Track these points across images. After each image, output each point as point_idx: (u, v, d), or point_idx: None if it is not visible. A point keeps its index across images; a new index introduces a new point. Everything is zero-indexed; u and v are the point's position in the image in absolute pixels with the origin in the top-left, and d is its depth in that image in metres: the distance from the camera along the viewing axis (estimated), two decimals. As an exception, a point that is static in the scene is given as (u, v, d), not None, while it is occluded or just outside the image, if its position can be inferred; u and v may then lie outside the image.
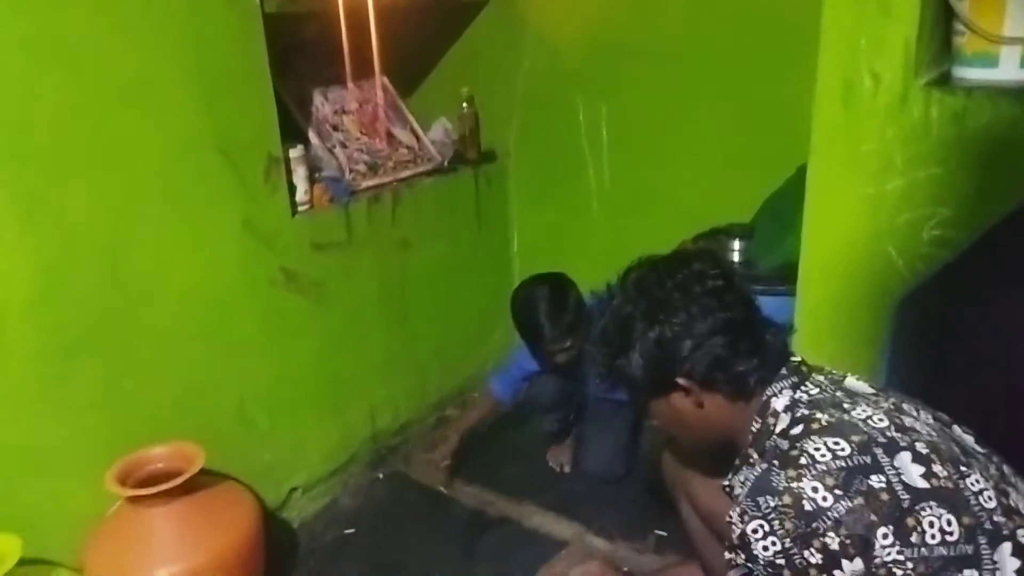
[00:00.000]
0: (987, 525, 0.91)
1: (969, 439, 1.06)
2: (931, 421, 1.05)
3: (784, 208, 2.07)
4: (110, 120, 1.63)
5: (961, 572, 0.89)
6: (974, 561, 0.90)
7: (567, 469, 2.41)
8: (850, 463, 0.94)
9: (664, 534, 2.03)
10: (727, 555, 1.00)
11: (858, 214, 1.56)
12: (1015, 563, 0.91)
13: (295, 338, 2.12)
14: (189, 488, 1.63)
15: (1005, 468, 1.03)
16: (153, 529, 1.60)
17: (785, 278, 1.85)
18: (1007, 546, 0.91)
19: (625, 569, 1.92)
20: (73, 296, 1.62)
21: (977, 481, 0.95)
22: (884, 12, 1.48)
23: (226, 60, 1.81)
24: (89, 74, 1.59)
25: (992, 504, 0.93)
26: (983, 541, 0.90)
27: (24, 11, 1.47)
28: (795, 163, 2.04)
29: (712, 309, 1.11)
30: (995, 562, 0.90)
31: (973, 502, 0.93)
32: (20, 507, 1.57)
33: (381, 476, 2.42)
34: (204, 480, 1.68)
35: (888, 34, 1.49)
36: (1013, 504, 0.96)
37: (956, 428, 1.08)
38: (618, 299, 1.17)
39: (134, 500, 1.60)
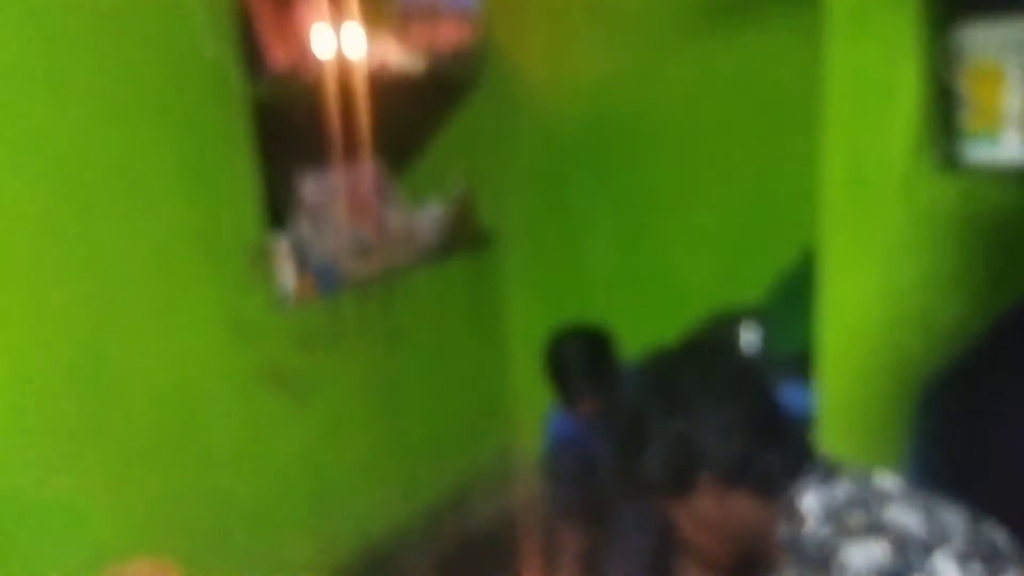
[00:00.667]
0: None
1: (1000, 537, 1.10)
2: (961, 518, 1.07)
3: (795, 293, 2.16)
4: (92, 215, 1.71)
5: None
6: None
7: None
8: (885, 568, 0.96)
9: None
10: None
11: (872, 301, 1.63)
12: None
13: (277, 440, 2.14)
14: (162, 613, 1.65)
15: None
16: (123, 658, 1.62)
17: (801, 364, 1.92)
18: None
19: None
20: (46, 399, 1.66)
21: None
22: (887, 94, 1.60)
23: (211, 151, 1.91)
24: (73, 169, 1.67)
25: None
26: None
27: (9, 106, 1.57)
28: (801, 240, 2.14)
29: (731, 400, 1.14)
30: None
31: None
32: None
33: (371, 592, 2.43)
34: (179, 603, 1.71)
35: (892, 116, 1.60)
36: None
37: (985, 525, 1.11)
38: (632, 395, 1.20)
39: (104, 625, 1.62)
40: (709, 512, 1.16)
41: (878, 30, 1.60)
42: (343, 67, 2.29)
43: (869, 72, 1.62)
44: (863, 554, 0.99)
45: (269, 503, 2.16)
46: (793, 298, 2.10)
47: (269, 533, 2.15)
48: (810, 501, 1.11)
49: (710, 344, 1.36)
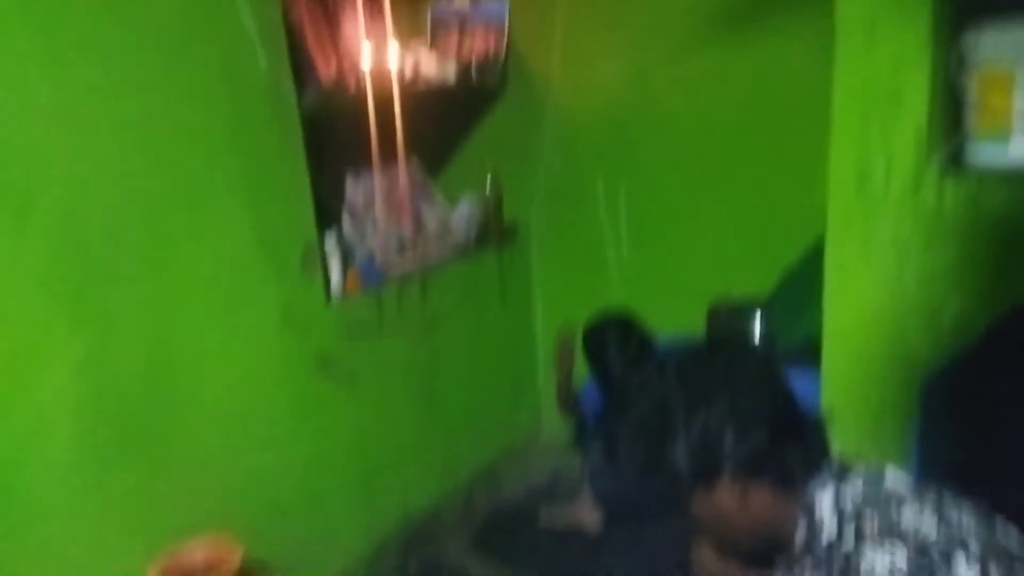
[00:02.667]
0: None
1: (1013, 537, 1.03)
2: (973, 516, 1.03)
3: (802, 283, 2.10)
4: (157, 221, 1.70)
5: None
6: None
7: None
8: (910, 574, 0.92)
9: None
10: None
11: (877, 299, 1.58)
12: None
13: (329, 425, 2.16)
14: (229, 582, 1.64)
15: None
16: (194, 625, 1.61)
17: (807, 353, 1.85)
18: None
19: None
20: (115, 396, 1.66)
21: None
22: (894, 100, 1.53)
23: (267, 158, 1.90)
24: (138, 176, 1.66)
25: None
26: None
27: (76, 118, 1.55)
28: (811, 233, 2.08)
29: (755, 396, 1.10)
30: None
31: None
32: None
33: (413, 564, 2.42)
34: (244, 573, 1.69)
35: (899, 121, 1.53)
36: None
37: (998, 525, 1.05)
38: (657, 388, 1.15)
39: (176, 596, 1.61)
40: (729, 503, 1.12)
41: (888, 37, 1.54)
42: (382, 78, 2.28)
43: (878, 78, 1.56)
44: (885, 561, 0.94)
45: (321, 480, 2.17)
46: (800, 290, 2.05)
47: (321, 508, 2.17)
48: (826, 502, 1.07)
49: (732, 342, 1.30)
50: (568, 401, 2.55)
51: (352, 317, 2.19)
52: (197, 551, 1.72)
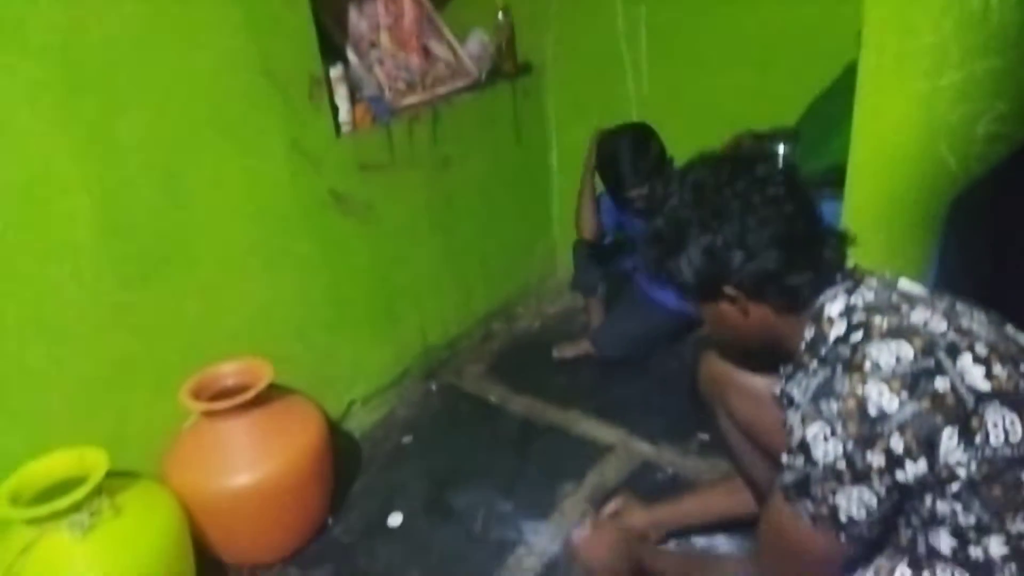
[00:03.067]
0: None
1: (1021, 337, 1.05)
2: (985, 320, 1.03)
3: (831, 110, 2.02)
4: (156, 47, 1.64)
5: (1023, 472, 0.91)
6: None
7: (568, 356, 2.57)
8: (914, 367, 0.93)
9: (707, 437, 2.09)
10: (784, 459, 1.01)
11: (910, 111, 1.51)
12: None
13: (348, 257, 2.18)
14: (260, 401, 1.71)
15: None
16: (228, 440, 1.69)
17: (831, 182, 1.82)
18: None
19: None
20: (134, 223, 1.68)
21: None
22: None
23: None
24: (136, 10, 1.59)
25: None
26: None
27: None
28: (841, 63, 1.98)
29: (770, 220, 1.06)
30: None
31: None
32: (104, 423, 1.67)
33: (434, 388, 2.52)
34: (273, 393, 1.77)
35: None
36: None
37: (1008, 327, 1.06)
38: (674, 199, 1.12)
39: (209, 413, 1.69)
40: (731, 316, 1.14)
41: None
42: None
43: None
44: (892, 353, 0.95)
45: (344, 310, 2.22)
46: (828, 116, 1.98)
47: (343, 336, 2.24)
48: (838, 306, 1.07)
49: (759, 157, 1.22)
50: (587, 209, 2.44)
51: (363, 150, 2.15)
52: (228, 371, 1.79)
